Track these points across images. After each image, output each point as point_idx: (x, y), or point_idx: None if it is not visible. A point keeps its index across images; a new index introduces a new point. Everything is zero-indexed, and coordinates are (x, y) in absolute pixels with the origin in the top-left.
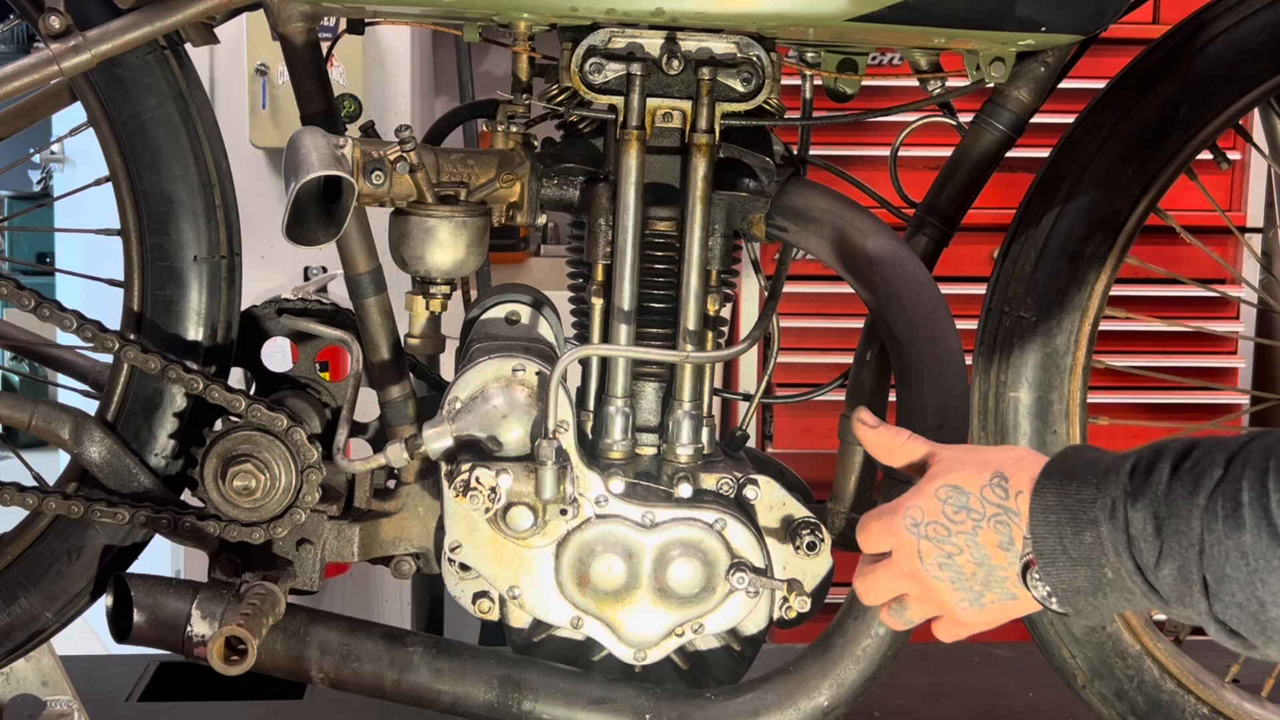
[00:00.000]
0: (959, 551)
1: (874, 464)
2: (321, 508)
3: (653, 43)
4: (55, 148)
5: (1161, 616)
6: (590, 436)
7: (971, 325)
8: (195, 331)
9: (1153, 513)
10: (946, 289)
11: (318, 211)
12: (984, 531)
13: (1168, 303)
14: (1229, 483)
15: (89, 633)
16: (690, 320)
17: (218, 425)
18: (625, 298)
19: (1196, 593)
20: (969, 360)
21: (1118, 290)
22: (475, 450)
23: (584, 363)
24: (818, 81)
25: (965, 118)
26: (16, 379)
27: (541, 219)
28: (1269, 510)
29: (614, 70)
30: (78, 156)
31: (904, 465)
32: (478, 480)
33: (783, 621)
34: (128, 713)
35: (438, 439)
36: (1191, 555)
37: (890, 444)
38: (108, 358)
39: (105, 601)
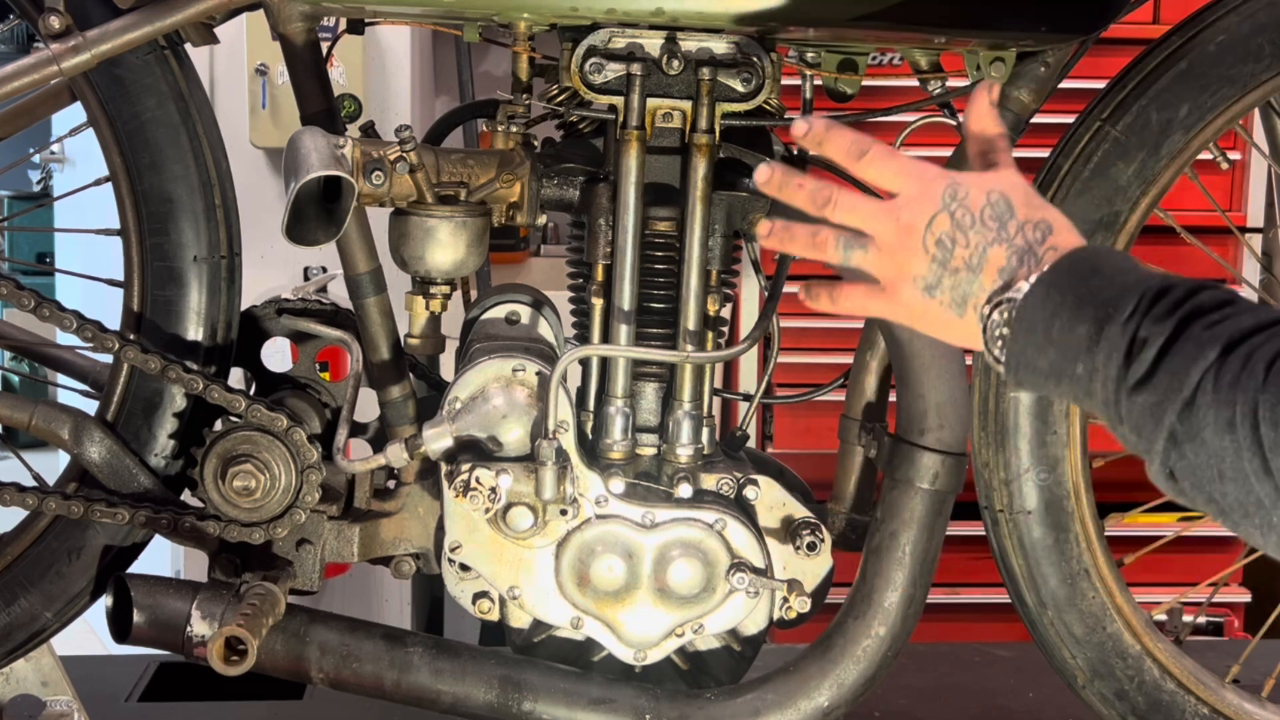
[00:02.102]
0: (965, 245)
1: (874, 465)
2: (321, 508)
3: (653, 43)
4: (55, 148)
5: (1161, 617)
6: (590, 437)
7: None
8: (195, 331)
9: (1159, 343)
10: None
11: (318, 211)
12: (998, 249)
13: None
14: (1233, 361)
15: (89, 633)
16: (690, 320)
17: (218, 425)
18: (625, 298)
19: (1160, 433)
20: (969, 360)
21: None
22: (475, 450)
23: (584, 363)
24: (818, 81)
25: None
26: (16, 379)
27: (541, 219)
28: (1256, 408)
29: (614, 70)
30: (78, 156)
31: (976, 149)
32: (478, 480)
33: (783, 621)
34: (128, 713)
35: (438, 439)
36: (1174, 400)
37: (988, 125)
38: (108, 358)
39: (105, 601)
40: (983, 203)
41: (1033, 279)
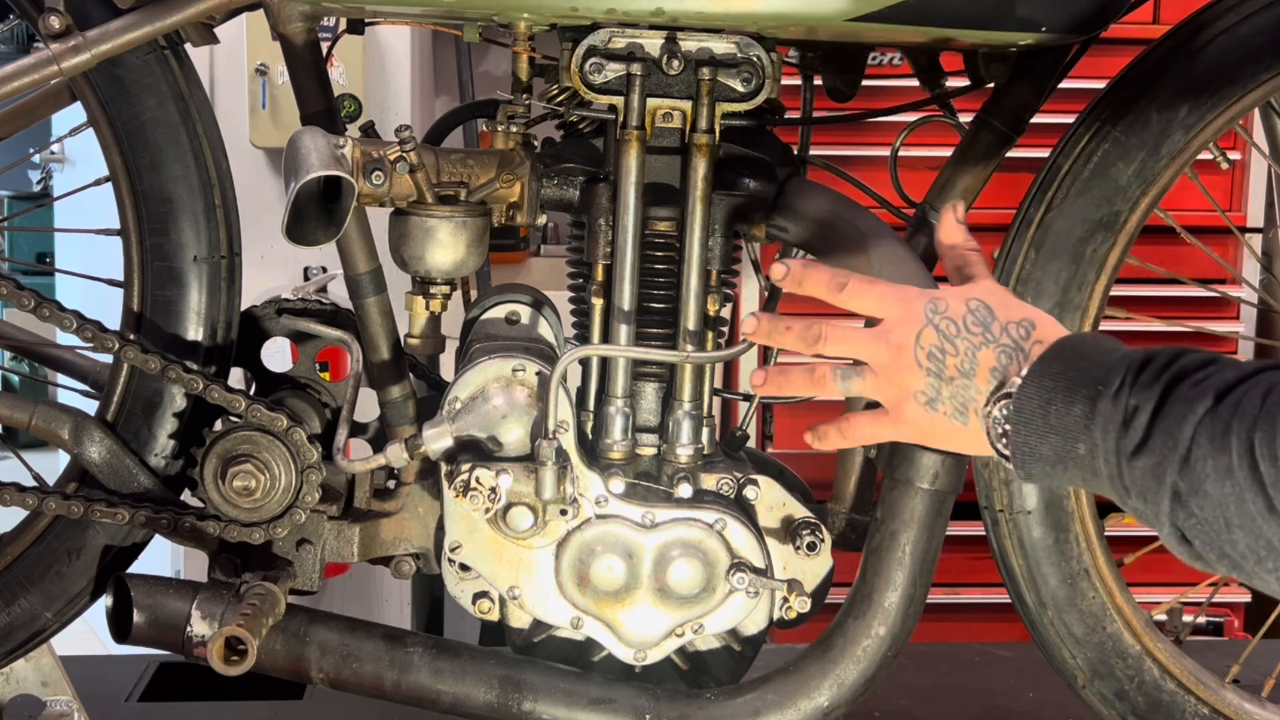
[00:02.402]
0: (955, 353)
1: (874, 465)
2: (321, 508)
3: (653, 43)
4: (55, 148)
5: (1161, 617)
6: (590, 436)
7: None
8: (195, 331)
9: (1150, 408)
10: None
11: (318, 211)
12: (987, 351)
13: (1168, 303)
14: (1223, 410)
15: (89, 633)
16: (690, 320)
17: (218, 425)
18: (625, 298)
19: (1164, 494)
20: None
21: (1118, 290)
22: (475, 450)
23: (584, 363)
24: (818, 81)
25: (965, 118)
26: (16, 379)
27: (541, 219)
28: (1253, 446)
29: (614, 70)
30: (78, 156)
31: (951, 264)
32: (478, 480)
33: (783, 621)
34: (128, 713)
35: (438, 439)
36: (1172, 458)
37: (958, 239)
38: (108, 358)
39: (105, 601)
40: (963, 311)
41: (1024, 372)
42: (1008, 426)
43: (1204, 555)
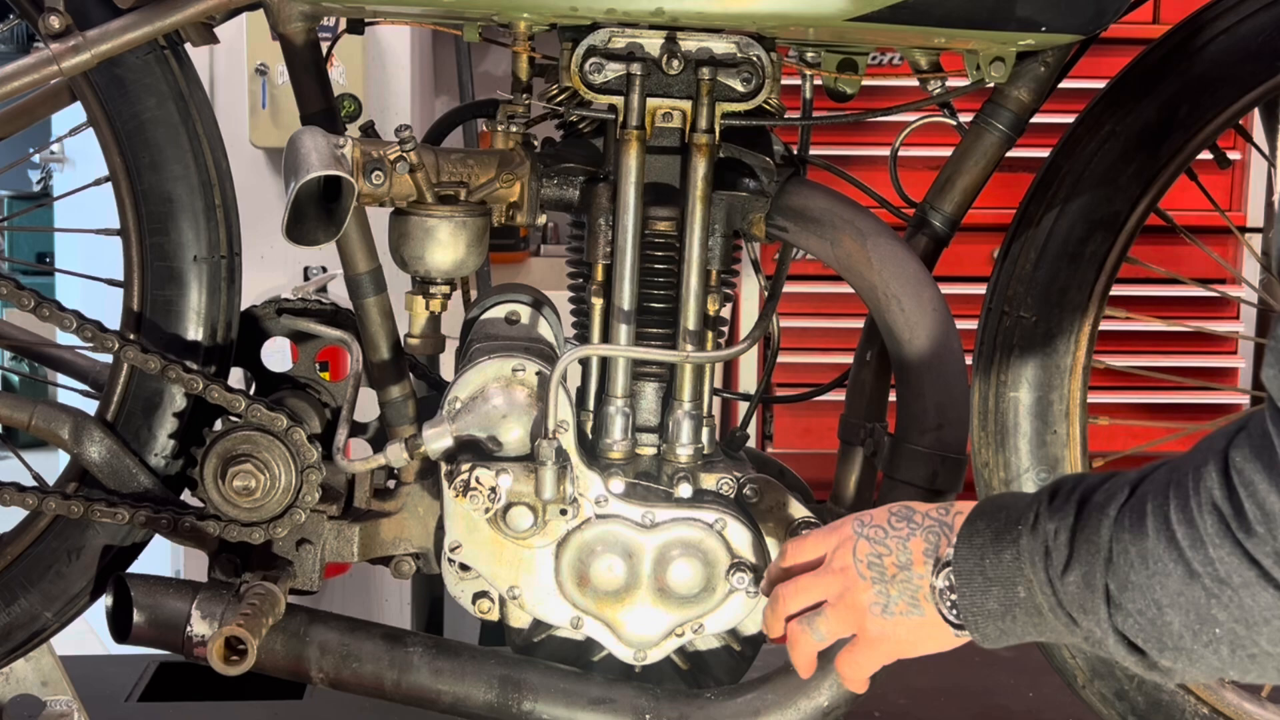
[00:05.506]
0: (889, 553)
1: (874, 464)
2: (321, 508)
3: (653, 43)
4: (55, 148)
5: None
6: (590, 436)
7: (971, 325)
8: (195, 331)
9: (1068, 525)
10: (946, 289)
11: (318, 211)
12: (915, 539)
13: (1168, 303)
14: (1137, 498)
15: (89, 633)
16: (690, 320)
17: (218, 425)
18: (625, 298)
19: (1099, 600)
20: (969, 360)
21: (1118, 290)
22: (475, 450)
23: (584, 363)
24: (818, 81)
25: (965, 118)
26: (16, 379)
27: (541, 219)
28: (1168, 517)
29: (614, 70)
30: (78, 156)
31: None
32: (478, 480)
33: None
34: (128, 713)
35: (438, 439)
36: (1097, 562)
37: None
38: (108, 358)
39: (105, 601)
40: (887, 516)
41: (954, 539)
42: (954, 596)
43: (1150, 654)
